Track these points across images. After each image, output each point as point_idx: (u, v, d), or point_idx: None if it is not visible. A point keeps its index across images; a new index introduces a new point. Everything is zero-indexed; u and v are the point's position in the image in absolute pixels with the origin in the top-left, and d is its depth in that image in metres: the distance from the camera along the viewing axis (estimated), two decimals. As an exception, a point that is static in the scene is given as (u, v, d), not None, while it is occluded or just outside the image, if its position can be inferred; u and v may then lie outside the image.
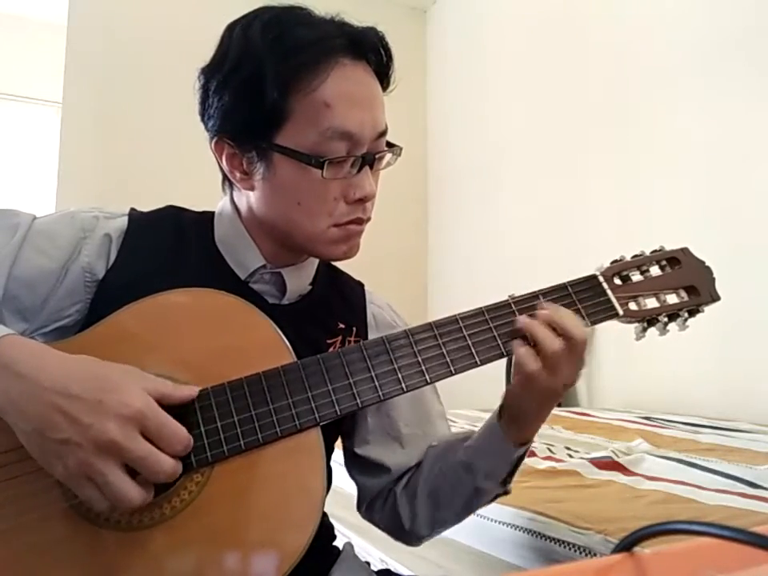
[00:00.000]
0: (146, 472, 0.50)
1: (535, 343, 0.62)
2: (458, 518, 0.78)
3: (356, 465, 0.82)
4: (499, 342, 0.64)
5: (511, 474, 0.72)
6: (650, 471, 1.16)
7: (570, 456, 1.38)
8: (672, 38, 2.26)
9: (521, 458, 0.71)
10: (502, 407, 0.70)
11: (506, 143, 3.12)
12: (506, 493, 0.75)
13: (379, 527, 0.83)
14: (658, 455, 1.27)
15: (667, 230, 2.15)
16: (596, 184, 2.57)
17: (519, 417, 0.68)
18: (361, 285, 0.85)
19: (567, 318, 0.63)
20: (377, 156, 0.68)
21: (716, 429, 1.64)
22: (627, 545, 0.30)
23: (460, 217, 3.44)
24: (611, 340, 2.48)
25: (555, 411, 2.09)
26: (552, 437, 1.65)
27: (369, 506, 0.83)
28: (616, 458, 1.25)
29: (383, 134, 0.68)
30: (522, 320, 0.63)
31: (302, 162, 0.64)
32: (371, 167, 0.67)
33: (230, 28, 0.68)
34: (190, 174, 2.30)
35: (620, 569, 0.29)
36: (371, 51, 0.67)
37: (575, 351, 0.62)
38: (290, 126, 0.64)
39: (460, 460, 0.73)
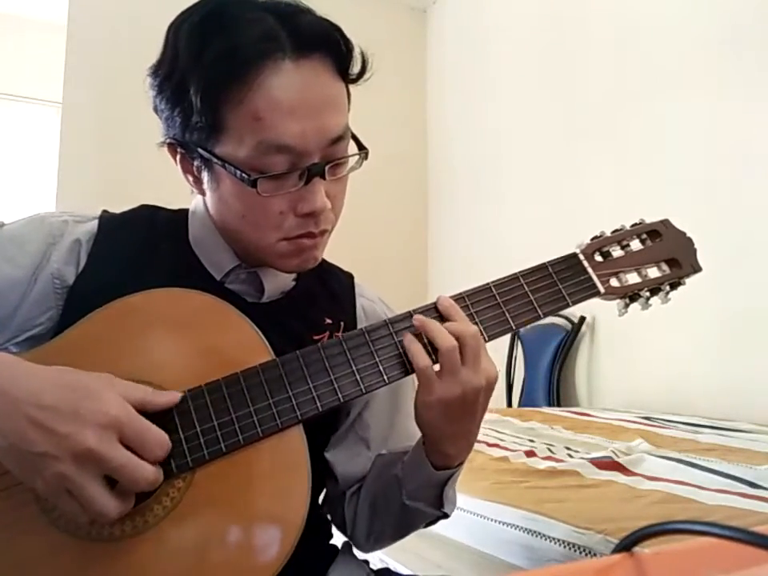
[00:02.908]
0: (125, 481, 0.49)
1: (430, 342, 0.60)
2: (395, 533, 0.75)
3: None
4: (480, 328, 0.63)
5: (440, 496, 0.68)
6: (650, 471, 1.16)
7: (570, 456, 1.38)
8: (672, 33, 2.26)
9: (448, 481, 0.66)
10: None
11: (506, 143, 3.12)
12: (445, 516, 0.70)
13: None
14: (658, 455, 1.27)
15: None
16: (597, 183, 2.56)
17: (430, 432, 0.63)
18: (350, 277, 0.81)
19: (459, 325, 0.61)
20: (330, 165, 0.61)
21: (716, 429, 1.64)
22: (627, 545, 0.30)
23: (460, 216, 3.44)
24: (611, 340, 2.48)
25: (555, 411, 2.10)
26: (552, 437, 1.65)
27: (329, 505, 0.80)
28: (616, 458, 1.25)
29: (341, 138, 0.61)
30: (418, 317, 0.61)
31: (236, 177, 0.59)
32: (323, 177, 0.61)
33: (168, 29, 0.62)
34: (190, 173, 2.29)
35: (620, 569, 0.29)
36: (323, 45, 0.60)
37: (469, 352, 0.59)
38: (226, 137, 0.59)
39: (394, 474, 0.70)
